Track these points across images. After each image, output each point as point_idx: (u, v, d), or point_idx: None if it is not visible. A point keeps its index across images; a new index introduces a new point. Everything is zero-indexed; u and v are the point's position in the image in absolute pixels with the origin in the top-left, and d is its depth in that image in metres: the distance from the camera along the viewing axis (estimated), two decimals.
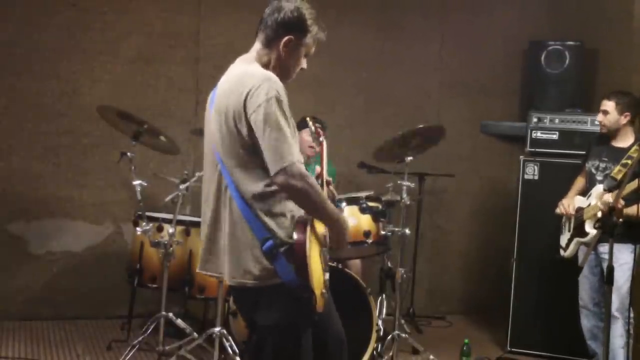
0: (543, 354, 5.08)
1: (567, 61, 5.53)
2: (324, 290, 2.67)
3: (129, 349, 4.38)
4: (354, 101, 6.00)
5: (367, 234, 4.40)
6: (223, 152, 2.61)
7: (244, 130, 2.54)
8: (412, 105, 6.10)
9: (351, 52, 5.95)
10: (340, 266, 4.26)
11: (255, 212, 2.54)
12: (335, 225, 2.70)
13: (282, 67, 2.72)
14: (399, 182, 4.65)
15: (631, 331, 4.25)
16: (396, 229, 4.57)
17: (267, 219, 2.54)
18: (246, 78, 2.59)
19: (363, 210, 4.43)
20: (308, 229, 2.54)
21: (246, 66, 2.69)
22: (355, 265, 4.87)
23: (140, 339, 4.41)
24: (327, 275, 2.76)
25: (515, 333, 5.15)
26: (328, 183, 2.95)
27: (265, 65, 2.70)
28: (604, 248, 4.25)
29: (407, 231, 4.62)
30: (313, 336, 2.68)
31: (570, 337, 4.86)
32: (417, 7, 6.07)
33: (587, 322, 4.55)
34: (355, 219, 4.42)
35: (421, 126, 4.72)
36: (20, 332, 4.99)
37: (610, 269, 3.33)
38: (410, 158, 4.65)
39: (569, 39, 5.62)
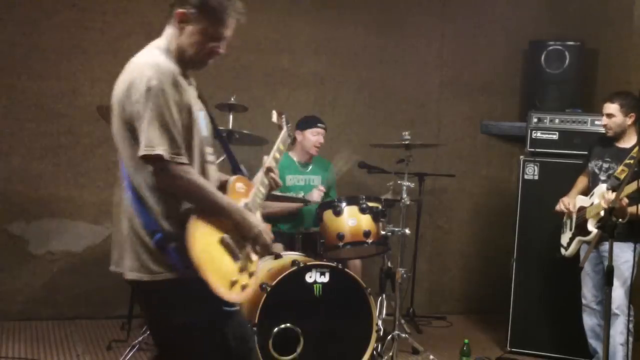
0: (543, 354, 5.08)
1: (567, 61, 5.53)
2: (234, 279, 2.47)
3: (129, 349, 4.38)
4: (355, 100, 6.00)
5: (367, 234, 4.38)
6: (119, 144, 2.52)
7: (130, 122, 2.43)
8: (413, 104, 6.10)
9: (352, 50, 5.95)
10: (340, 266, 4.25)
11: (145, 204, 2.44)
12: (232, 217, 2.49)
13: (180, 48, 2.52)
14: (399, 182, 4.65)
15: (631, 329, 4.25)
16: (396, 229, 4.56)
17: (156, 212, 2.43)
18: (133, 66, 2.47)
19: (363, 210, 4.42)
20: (193, 219, 2.40)
21: (145, 51, 2.54)
22: (355, 265, 4.86)
23: (140, 339, 4.40)
24: (243, 262, 2.53)
25: (515, 333, 5.15)
26: (269, 170, 2.80)
27: (173, 49, 2.53)
28: (605, 246, 4.24)
29: (407, 231, 4.61)
30: (219, 333, 2.54)
31: (570, 337, 4.87)
32: (418, 6, 6.08)
33: (589, 321, 4.54)
34: (355, 219, 4.41)
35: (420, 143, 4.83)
36: (20, 332, 4.98)
37: (610, 269, 3.33)
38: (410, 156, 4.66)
39: (569, 39, 5.62)
